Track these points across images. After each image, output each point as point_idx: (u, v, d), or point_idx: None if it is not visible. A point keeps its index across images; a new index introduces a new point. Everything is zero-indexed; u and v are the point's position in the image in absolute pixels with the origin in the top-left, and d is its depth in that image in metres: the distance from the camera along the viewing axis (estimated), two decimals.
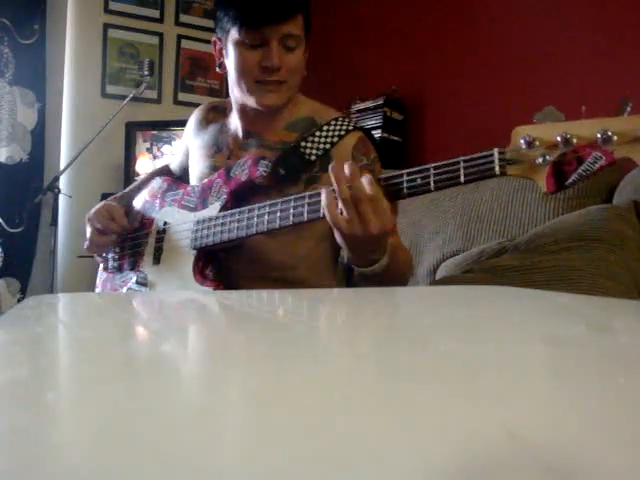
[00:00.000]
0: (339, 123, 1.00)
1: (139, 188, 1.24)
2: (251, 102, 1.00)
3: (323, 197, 0.80)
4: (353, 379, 0.25)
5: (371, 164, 0.99)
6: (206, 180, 1.07)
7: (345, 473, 0.14)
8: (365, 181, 0.77)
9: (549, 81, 1.81)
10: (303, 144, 0.99)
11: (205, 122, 1.15)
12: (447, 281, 1.19)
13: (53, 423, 0.19)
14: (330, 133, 0.99)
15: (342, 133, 0.99)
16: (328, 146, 0.98)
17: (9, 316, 0.48)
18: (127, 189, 1.28)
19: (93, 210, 1.14)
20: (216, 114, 1.15)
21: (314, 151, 0.98)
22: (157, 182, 1.18)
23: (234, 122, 1.09)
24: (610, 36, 1.65)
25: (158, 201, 1.15)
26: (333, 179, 0.78)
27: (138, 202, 1.20)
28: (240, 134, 1.08)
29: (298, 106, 1.06)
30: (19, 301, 2.61)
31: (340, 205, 0.78)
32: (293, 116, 1.04)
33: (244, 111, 1.05)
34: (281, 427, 0.18)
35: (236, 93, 1.03)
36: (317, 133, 0.99)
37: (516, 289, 0.75)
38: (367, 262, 0.84)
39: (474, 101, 2.09)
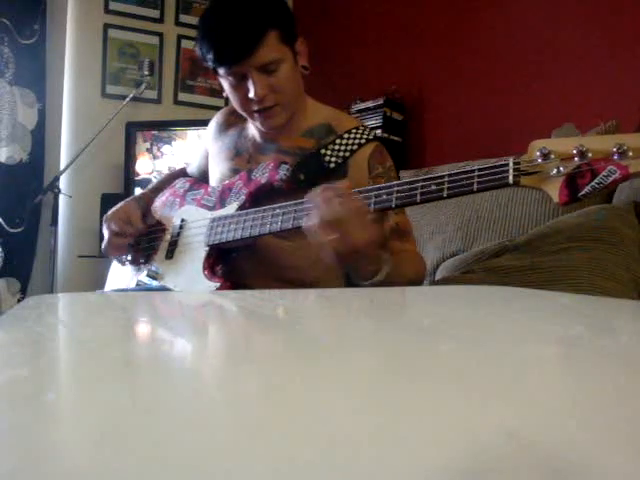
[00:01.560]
0: (359, 132, 1.02)
1: (157, 189, 1.26)
2: (257, 125, 1.04)
3: (307, 222, 0.82)
4: (353, 379, 0.25)
5: (386, 172, 1.01)
6: (227, 181, 1.09)
7: (345, 473, 0.14)
8: (344, 197, 0.79)
9: (549, 80, 1.81)
10: (323, 151, 1.00)
11: (225, 125, 1.17)
12: (447, 281, 1.19)
13: (53, 423, 0.19)
14: (350, 142, 1.01)
15: (362, 142, 1.01)
16: (348, 154, 1.00)
17: (9, 316, 0.48)
18: (146, 189, 1.29)
19: (111, 211, 1.16)
20: (237, 117, 1.16)
21: (334, 159, 1.00)
22: (180, 182, 1.21)
23: (252, 127, 1.11)
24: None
25: (178, 199, 1.17)
26: (317, 201, 0.81)
27: (159, 200, 1.22)
28: (258, 139, 1.10)
29: (313, 112, 1.07)
30: (19, 301, 2.61)
31: (322, 224, 0.80)
32: (309, 123, 1.06)
33: (256, 126, 1.07)
34: (281, 427, 0.18)
35: (243, 115, 1.06)
36: (337, 141, 1.01)
37: (516, 289, 0.75)
38: (367, 275, 0.85)
39: (474, 101, 2.09)
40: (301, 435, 0.17)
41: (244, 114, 1.03)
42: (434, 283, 1.30)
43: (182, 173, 1.32)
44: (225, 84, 1.00)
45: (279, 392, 0.22)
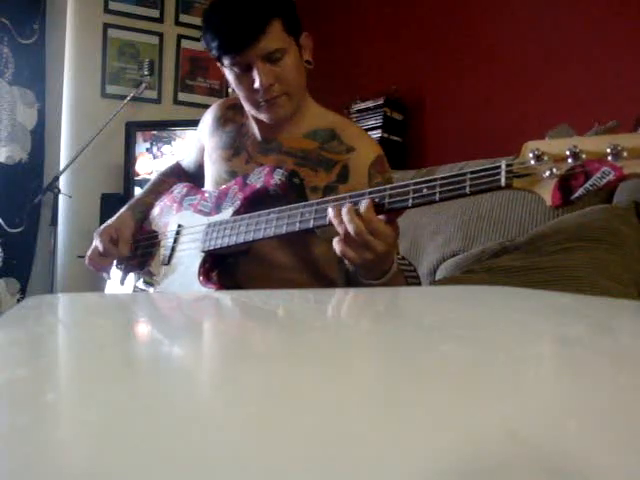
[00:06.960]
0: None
1: (153, 191, 1.25)
2: (262, 117, 1.03)
3: (335, 243, 0.82)
4: (353, 378, 0.25)
5: (385, 183, 1.01)
6: (223, 186, 1.08)
7: (345, 473, 0.14)
8: (360, 212, 0.80)
9: (549, 80, 1.81)
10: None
11: (223, 120, 1.15)
12: (447, 281, 1.19)
13: (53, 423, 0.19)
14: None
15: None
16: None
17: (9, 316, 0.48)
18: (142, 193, 1.27)
19: (104, 225, 1.15)
20: (235, 113, 1.14)
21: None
22: (178, 187, 1.21)
23: (253, 125, 1.10)
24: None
25: (175, 205, 1.17)
26: (335, 222, 0.81)
27: (157, 207, 1.22)
28: (259, 137, 1.09)
29: (317, 114, 1.07)
30: (19, 301, 2.61)
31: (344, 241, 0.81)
32: (313, 124, 1.05)
33: (259, 120, 1.06)
34: (281, 427, 0.18)
35: (247, 108, 1.05)
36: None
37: (516, 289, 0.75)
38: (378, 274, 0.86)
39: (474, 101, 2.09)
40: (301, 435, 0.17)
41: (250, 107, 1.03)
42: (434, 283, 1.30)
43: (178, 169, 1.31)
44: (230, 76, 1.00)
45: (280, 391, 0.22)
